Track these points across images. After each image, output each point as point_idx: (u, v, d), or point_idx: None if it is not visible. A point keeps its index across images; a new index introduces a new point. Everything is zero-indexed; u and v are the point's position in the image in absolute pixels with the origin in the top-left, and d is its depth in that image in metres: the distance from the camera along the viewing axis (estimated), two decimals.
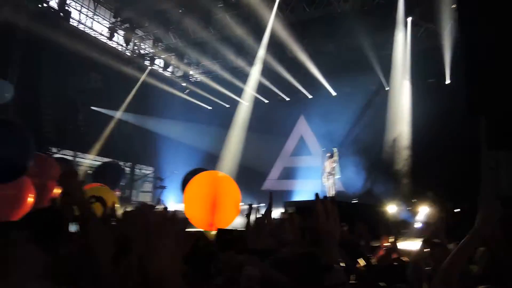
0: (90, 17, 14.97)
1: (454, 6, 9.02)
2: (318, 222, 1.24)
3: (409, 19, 11.42)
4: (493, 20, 5.20)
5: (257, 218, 3.12)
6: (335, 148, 10.65)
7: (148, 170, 17.35)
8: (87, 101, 14.33)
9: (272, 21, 12.57)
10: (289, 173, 14.53)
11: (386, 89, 12.89)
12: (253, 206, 3.77)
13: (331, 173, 10.35)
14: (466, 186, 9.57)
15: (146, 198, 14.68)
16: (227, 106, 16.24)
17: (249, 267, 1.82)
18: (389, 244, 3.17)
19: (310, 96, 14.67)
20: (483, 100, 5.29)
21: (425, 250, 3.33)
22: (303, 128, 14.73)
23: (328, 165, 10.42)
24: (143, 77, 15.63)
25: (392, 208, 8.88)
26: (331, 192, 10.28)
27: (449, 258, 1.47)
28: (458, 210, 7.39)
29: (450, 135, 10.59)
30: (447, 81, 11.45)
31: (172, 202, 12.66)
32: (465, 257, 1.49)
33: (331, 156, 10.47)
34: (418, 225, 6.80)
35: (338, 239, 1.38)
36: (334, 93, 13.82)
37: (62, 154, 13.06)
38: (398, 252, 3.44)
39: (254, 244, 1.90)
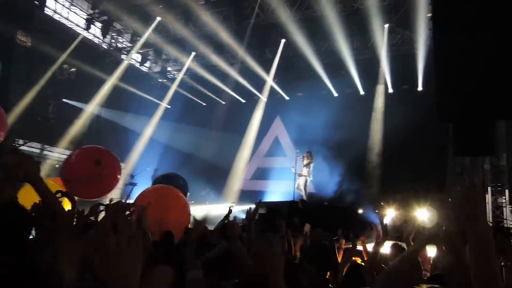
0: (67, 7, 14.52)
1: (429, 14, 9.29)
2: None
3: (386, 26, 11.68)
4: (466, 29, 5.40)
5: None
6: (308, 151, 10.73)
7: None
8: (58, 92, 13.88)
9: (252, 21, 12.57)
10: (262, 174, 14.55)
11: (361, 93, 13.15)
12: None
13: (301, 175, 10.42)
14: (433, 190, 9.88)
15: (116, 194, 14.31)
16: (204, 104, 16.11)
17: (193, 271, 1.82)
18: (350, 246, 3.21)
19: (287, 98, 14.77)
20: (451, 107, 5.48)
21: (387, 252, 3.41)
22: (278, 129, 14.79)
23: (302, 167, 10.48)
24: (118, 71, 15.26)
25: (361, 210, 9.04)
26: (303, 194, 10.34)
27: (394, 263, 1.49)
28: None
29: (420, 141, 10.91)
30: (420, 88, 11.79)
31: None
32: (408, 263, 1.51)
33: (305, 158, 10.53)
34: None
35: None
36: (310, 96, 13.96)
37: (29, 146, 12.58)
38: (360, 254, 3.50)
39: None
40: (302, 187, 10.41)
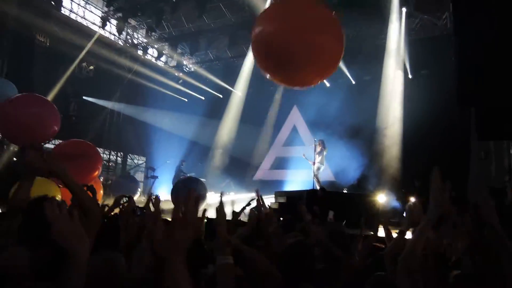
0: (82, 6, 14.75)
1: None
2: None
3: (404, 10, 11.40)
4: (486, 15, 5.24)
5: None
6: (320, 140, 10.73)
7: (140, 160, 17.31)
8: (78, 90, 14.19)
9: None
10: (281, 163, 14.57)
11: (380, 79, 12.93)
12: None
13: (315, 163, 10.46)
14: (456, 176, 9.69)
15: (140, 187, 14.66)
16: (221, 96, 16.18)
17: (221, 257, 1.85)
18: (371, 233, 3.21)
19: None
20: (473, 91, 5.35)
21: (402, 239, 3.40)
22: (296, 118, 14.74)
23: (315, 155, 10.53)
24: (135, 66, 15.47)
25: (381, 198, 8.98)
26: (316, 182, 10.38)
27: (408, 246, 1.50)
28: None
29: (441, 126, 10.69)
30: (440, 73, 11.49)
31: (164, 192, 12.69)
32: (421, 243, 1.52)
33: (317, 146, 10.56)
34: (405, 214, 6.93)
35: None
36: (327, 84, 13.81)
37: (52, 144, 12.95)
38: (382, 240, 3.49)
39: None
40: (315, 176, 10.47)
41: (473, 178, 9.51)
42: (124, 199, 3.56)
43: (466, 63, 5.21)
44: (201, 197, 9.15)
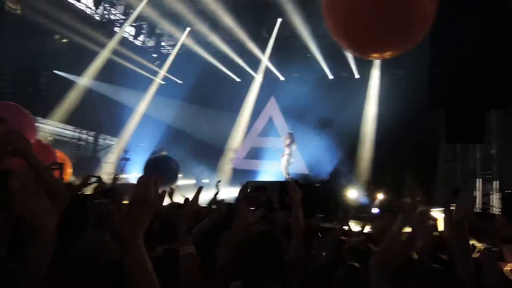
0: None
1: None
2: None
3: None
4: (461, 21, 5.40)
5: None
6: (289, 132, 10.96)
7: (112, 141, 16.91)
8: (49, 64, 13.62)
9: None
10: (256, 153, 14.63)
11: (356, 77, 13.15)
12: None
13: (283, 155, 10.69)
14: (425, 176, 10.09)
15: (109, 168, 14.33)
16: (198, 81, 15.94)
17: (185, 247, 1.87)
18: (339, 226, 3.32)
19: (282, 78, 14.69)
20: (444, 94, 5.54)
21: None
22: (273, 110, 14.78)
23: (284, 147, 10.74)
24: (111, 43, 14.96)
25: (352, 193, 9.21)
26: (285, 174, 10.59)
27: (385, 243, 1.55)
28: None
29: (413, 127, 11.02)
30: (414, 74, 11.79)
31: (136, 174, 12.48)
32: (398, 241, 1.57)
33: (286, 139, 10.77)
34: (374, 210, 7.17)
35: None
36: (306, 77, 13.91)
37: None
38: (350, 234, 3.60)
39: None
40: (283, 168, 10.66)
41: (440, 179, 9.93)
42: (93, 179, 3.50)
43: (440, 66, 5.38)
44: (167, 179, 9.04)
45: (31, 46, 12.75)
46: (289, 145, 10.64)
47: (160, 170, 9.51)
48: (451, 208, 1.78)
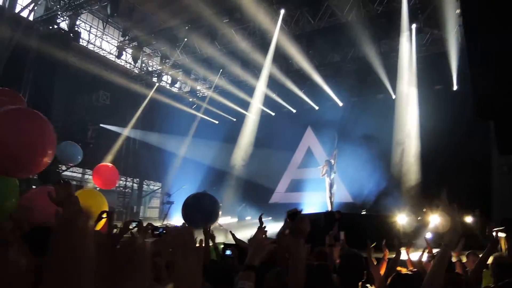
0: (99, 37, 15.31)
1: (458, 11, 8.98)
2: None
3: (414, 26, 11.39)
4: (497, 25, 5.15)
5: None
6: (327, 160, 10.68)
7: (155, 186, 17.38)
8: (96, 118, 14.52)
9: (277, 34, 12.66)
10: (297, 186, 14.40)
11: (393, 97, 12.83)
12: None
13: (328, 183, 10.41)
14: (479, 192, 9.38)
15: (154, 213, 14.65)
16: (234, 120, 16.28)
17: (243, 282, 1.79)
18: (394, 256, 3.07)
19: (316, 107, 14.64)
20: (491, 104, 5.20)
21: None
22: (310, 140, 14.64)
23: (326, 179, 10.45)
24: (150, 93, 15.79)
25: (402, 218, 8.69)
26: (330, 205, 10.28)
27: (429, 272, 1.43)
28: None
29: (459, 142, 10.43)
30: (455, 87, 11.33)
31: (179, 217, 12.62)
32: (443, 269, 1.44)
33: (323, 169, 10.48)
34: (428, 235, 6.63)
35: None
36: (340, 103, 13.76)
37: (71, 171, 13.17)
38: (405, 263, 3.34)
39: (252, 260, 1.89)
40: (327, 198, 10.38)
41: (496, 193, 9.17)
42: (133, 224, 3.53)
43: (481, 75, 5.10)
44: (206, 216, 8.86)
45: (79, 102, 13.70)
46: (327, 174, 10.36)
47: (198, 207, 9.45)
48: None
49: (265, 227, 2.08)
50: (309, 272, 2.10)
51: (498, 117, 5.32)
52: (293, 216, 2.08)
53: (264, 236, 2.03)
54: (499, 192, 8.98)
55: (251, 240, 2.01)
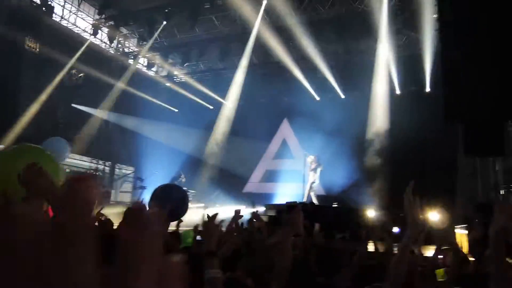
0: (74, 13, 14.70)
1: (435, 16, 9.25)
2: None
3: (392, 27, 11.64)
4: (473, 31, 5.37)
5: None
6: (315, 155, 10.83)
7: (128, 170, 17.09)
8: (67, 97, 14.04)
9: (258, 25, 12.61)
10: (271, 176, 14.55)
11: (368, 95, 13.11)
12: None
13: (309, 180, 10.60)
14: (443, 191, 9.82)
15: (126, 198, 14.44)
16: (211, 107, 16.16)
17: (208, 271, 1.83)
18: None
19: (293, 100, 14.75)
20: (460, 107, 5.45)
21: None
22: (286, 131, 14.78)
23: (310, 173, 10.62)
24: (125, 75, 15.39)
25: (371, 213, 9.00)
26: (309, 198, 10.48)
27: (393, 262, 1.52)
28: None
29: (429, 142, 10.85)
30: (427, 89, 11.72)
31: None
32: (405, 257, 1.55)
33: (312, 163, 10.66)
34: (395, 230, 6.91)
35: None
36: (317, 98, 13.94)
37: None
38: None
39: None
40: (306, 190, 10.58)
41: (460, 194, 9.63)
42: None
43: (453, 79, 5.31)
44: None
45: (48, 82, 13.17)
46: (315, 169, 10.56)
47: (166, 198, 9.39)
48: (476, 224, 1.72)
49: (216, 214, 2.13)
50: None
51: (466, 120, 5.59)
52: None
53: (215, 224, 2.11)
54: (462, 193, 9.46)
55: (202, 228, 2.09)
